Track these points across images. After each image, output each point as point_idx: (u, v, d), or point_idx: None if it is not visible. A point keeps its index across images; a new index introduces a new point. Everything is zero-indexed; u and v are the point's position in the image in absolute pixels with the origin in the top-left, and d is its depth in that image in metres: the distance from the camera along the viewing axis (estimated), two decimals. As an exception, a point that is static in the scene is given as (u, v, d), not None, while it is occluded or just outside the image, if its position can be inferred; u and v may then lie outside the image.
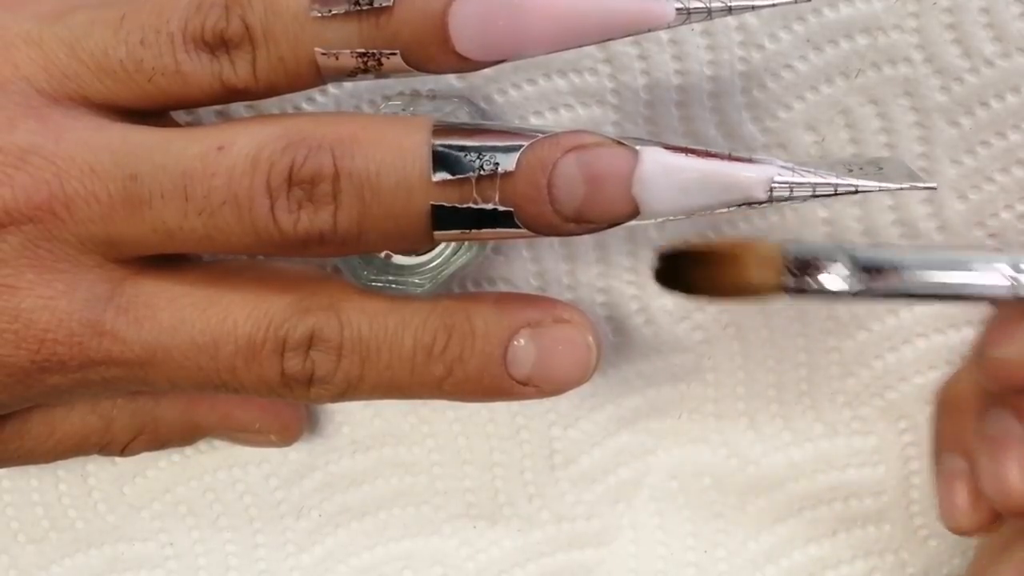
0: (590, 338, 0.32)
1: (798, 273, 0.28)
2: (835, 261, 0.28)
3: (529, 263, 0.36)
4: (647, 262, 0.36)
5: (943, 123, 0.34)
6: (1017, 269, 0.28)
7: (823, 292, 0.28)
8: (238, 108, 0.35)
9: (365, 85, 0.35)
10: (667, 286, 0.30)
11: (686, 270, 0.29)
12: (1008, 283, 0.28)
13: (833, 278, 0.28)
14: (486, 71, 0.34)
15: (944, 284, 0.28)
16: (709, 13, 0.28)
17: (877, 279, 0.28)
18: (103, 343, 0.30)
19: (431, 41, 0.28)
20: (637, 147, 0.28)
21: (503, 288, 0.37)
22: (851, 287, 0.28)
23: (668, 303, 0.37)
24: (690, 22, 0.28)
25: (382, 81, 0.35)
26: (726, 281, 0.29)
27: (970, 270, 0.28)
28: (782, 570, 0.38)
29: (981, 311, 0.36)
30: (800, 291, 0.28)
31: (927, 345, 0.37)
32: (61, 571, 0.39)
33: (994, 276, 0.28)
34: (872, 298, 0.28)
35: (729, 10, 0.28)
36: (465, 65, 0.29)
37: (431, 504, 0.39)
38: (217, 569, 0.39)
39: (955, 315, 0.36)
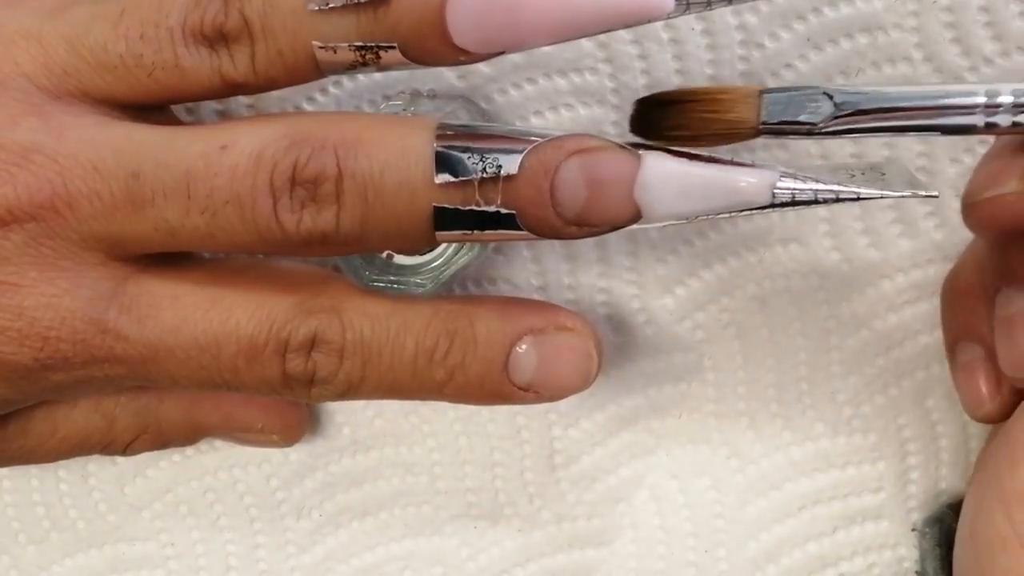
0: (592, 346, 0.32)
1: (775, 110, 0.28)
2: (813, 99, 0.28)
3: (530, 263, 0.36)
4: (647, 262, 0.36)
5: (943, 122, 0.34)
6: (992, 97, 0.27)
7: (799, 128, 0.28)
8: (240, 108, 0.35)
9: (365, 85, 0.35)
10: (643, 133, 0.29)
11: (662, 116, 0.29)
12: (982, 111, 0.27)
13: (808, 114, 0.28)
14: (486, 70, 0.34)
15: (922, 113, 0.28)
16: (709, 4, 0.28)
17: (857, 114, 0.28)
18: (106, 341, 0.30)
19: (429, 34, 0.28)
20: (640, 151, 0.28)
21: (504, 288, 0.37)
22: (827, 122, 0.28)
23: (669, 303, 0.37)
24: (689, 12, 0.28)
25: (382, 81, 0.35)
26: (704, 122, 0.28)
27: (946, 100, 0.28)
28: (782, 569, 0.38)
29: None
30: (775, 128, 0.28)
31: (928, 343, 0.37)
32: (62, 571, 0.39)
33: (970, 105, 0.28)
34: (852, 133, 0.28)
35: (729, 0, 0.28)
36: (463, 57, 0.29)
37: (432, 504, 0.39)
38: (218, 569, 0.39)
39: (956, 314, 0.36)
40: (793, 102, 0.28)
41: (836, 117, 0.28)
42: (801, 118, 0.28)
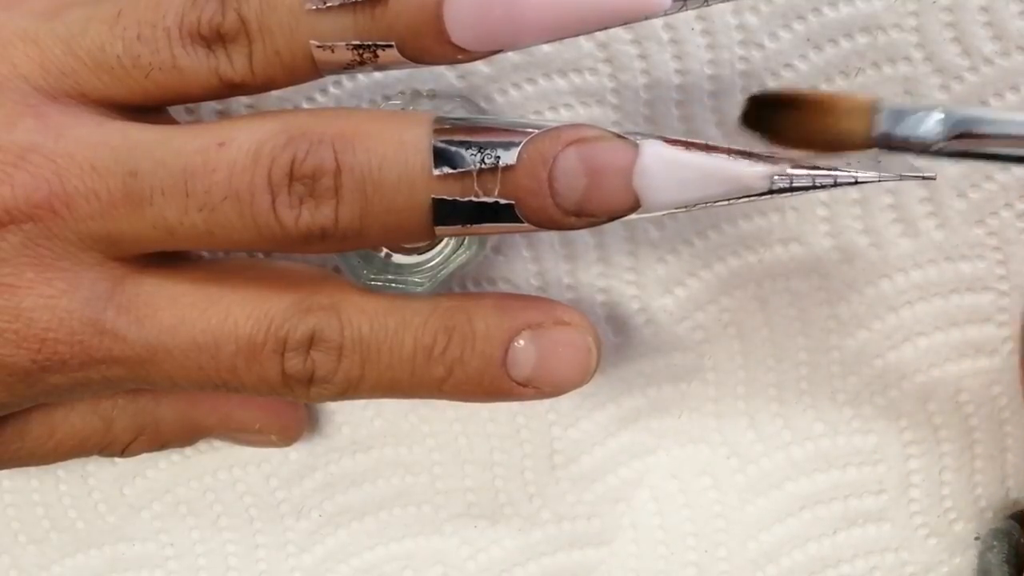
0: (590, 340, 0.32)
1: (890, 124, 0.27)
2: (928, 114, 0.27)
3: (529, 263, 0.36)
4: (647, 262, 0.36)
5: (943, 122, 0.34)
6: None
7: (912, 144, 0.27)
8: (239, 109, 0.35)
9: (365, 85, 0.35)
10: (753, 130, 0.29)
11: (774, 116, 0.29)
12: None
13: (925, 131, 0.27)
14: (486, 70, 0.34)
15: None
16: (706, 0, 0.28)
17: (969, 136, 0.27)
18: (104, 342, 0.30)
19: (426, 32, 0.28)
20: (637, 140, 0.28)
21: (503, 288, 0.37)
22: (942, 141, 0.27)
23: (668, 303, 0.37)
24: (687, 9, 0.28)
25: (382, 81, 0.35)
26: (815, 129, 0.28)
27: None
28: (782, 570, 0.38)
29: (990, 311, 0.36)
30: (889, 143, 0.28)
31: (928, 344, 0.37)
32: (62, 571, 0.39)
33: None
34: (965, 157, 0.27)
35: None
36: (461, 56, 0.29)
37: (432, 504, 0.39)
38: (217, 569, 0.39)
39: (957, 314, 0.36)
40: (909, 119, 0.27)
41: (951, 138, 0.27)
42: (916, 135, 0.27)
